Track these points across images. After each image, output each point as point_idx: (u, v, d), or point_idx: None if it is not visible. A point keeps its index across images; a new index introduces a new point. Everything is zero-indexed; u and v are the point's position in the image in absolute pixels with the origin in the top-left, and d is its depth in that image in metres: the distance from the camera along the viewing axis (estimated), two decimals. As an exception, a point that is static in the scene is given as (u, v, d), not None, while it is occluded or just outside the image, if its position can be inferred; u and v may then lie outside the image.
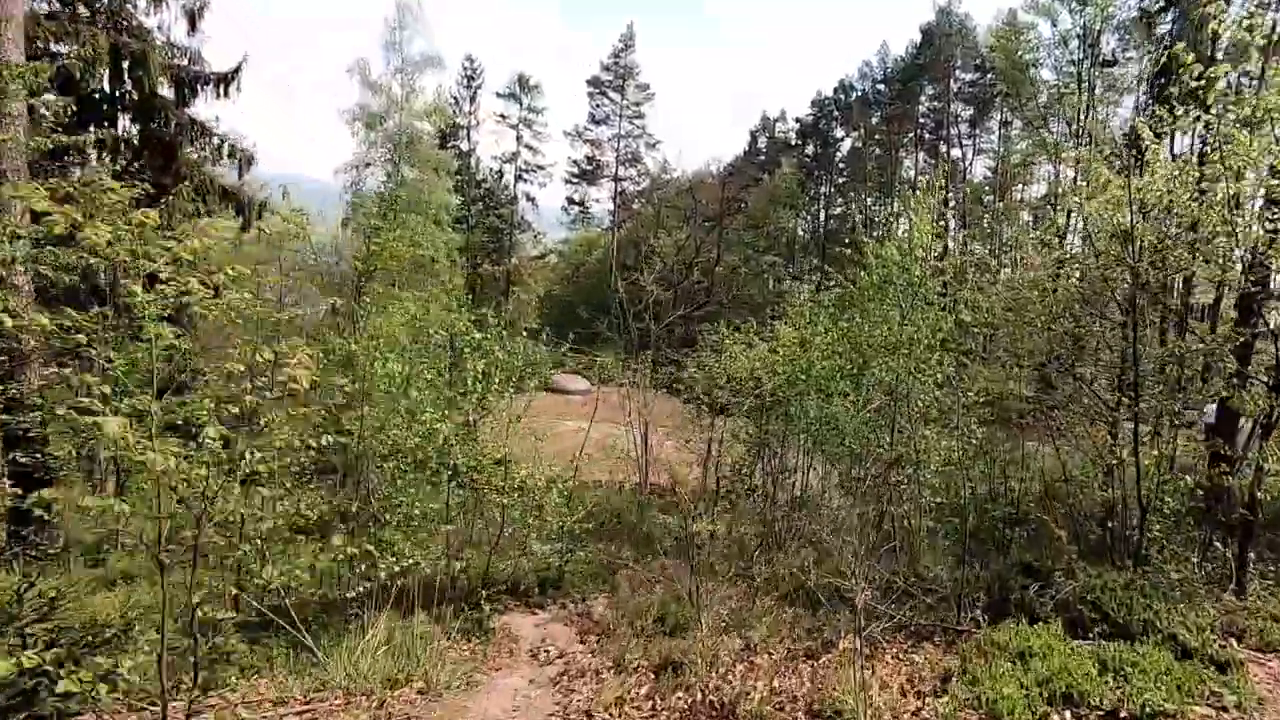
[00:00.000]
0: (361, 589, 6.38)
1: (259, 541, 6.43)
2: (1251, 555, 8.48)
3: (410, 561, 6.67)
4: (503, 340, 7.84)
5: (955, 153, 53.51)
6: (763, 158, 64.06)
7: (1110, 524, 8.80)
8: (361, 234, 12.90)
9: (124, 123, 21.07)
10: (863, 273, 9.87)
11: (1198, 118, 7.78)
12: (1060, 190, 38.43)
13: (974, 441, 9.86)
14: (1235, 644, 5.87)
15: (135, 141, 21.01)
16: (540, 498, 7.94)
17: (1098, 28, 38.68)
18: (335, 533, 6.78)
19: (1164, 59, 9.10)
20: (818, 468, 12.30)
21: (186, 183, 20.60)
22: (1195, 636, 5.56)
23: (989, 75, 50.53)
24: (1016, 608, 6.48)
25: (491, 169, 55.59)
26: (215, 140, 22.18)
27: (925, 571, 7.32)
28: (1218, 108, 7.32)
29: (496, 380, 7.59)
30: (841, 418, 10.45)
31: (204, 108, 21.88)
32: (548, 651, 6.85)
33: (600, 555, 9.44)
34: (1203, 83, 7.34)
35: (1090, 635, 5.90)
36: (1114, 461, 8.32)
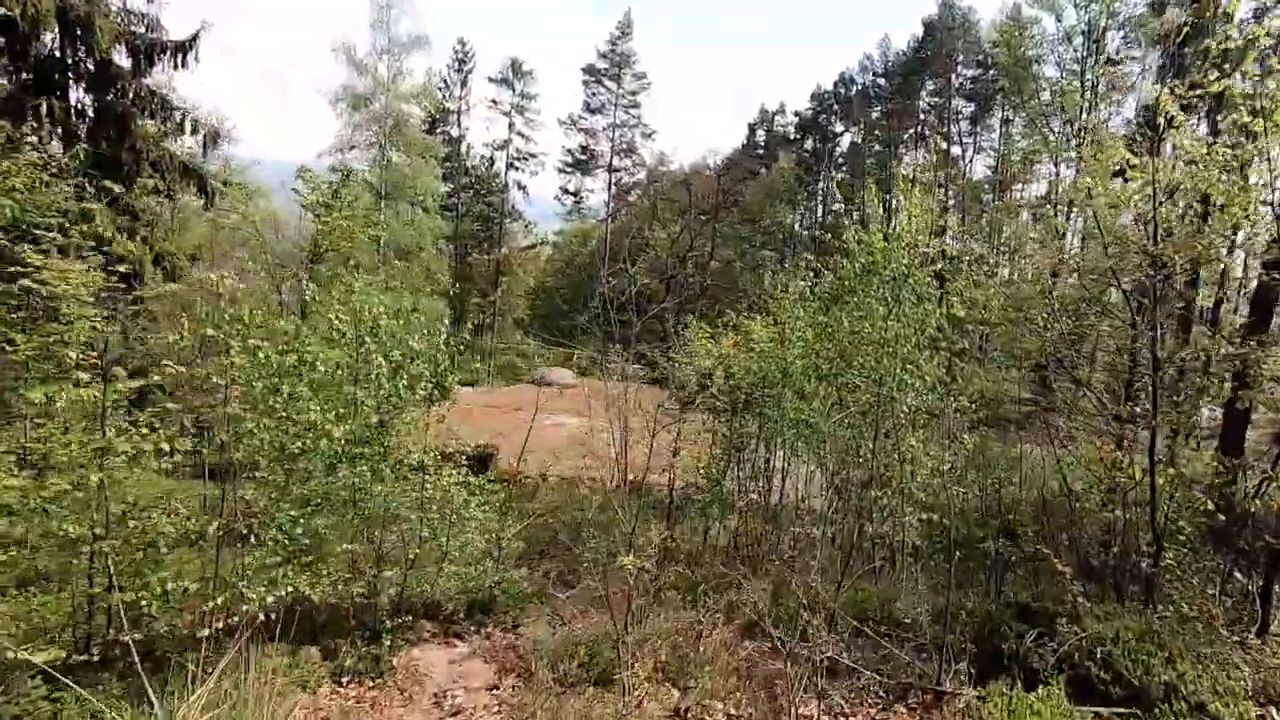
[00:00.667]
0: (224, 623, 5.32)
1: (105, 561, 5.37)
2: (1278, 589, 7.48)
3: (289, 589, 5.60)
4: (419, 327, 6.74)
5: (955, 150, 52.60)
6: (761, 151, 62.97)
7: (1114, 548, 7.77)
8: (312, 213, 11.77)
9: (79, 93, 19.88)
10: (845, 261, 8.80)
11: (1227, 85, 6.75)
12: (1060, 189, 37.54)
13: (964, 451, 8.83)
14: (1275, 714, 4.84)
15: (89, 113, 19.87)
16: (462, 509, 6.87)
17: (1103, 24, 37.97)
18: (198, 551, 5.72)
19: (1187, 29, 8.02)
20: (795, 475, 11.27)
21: (143, 157, 19.56)
22: (1229, 709, 4.52)
23: (991, 71, 49.66)
24: (1010, 660, 5.43)
25: (482, 156, 54.43)
26: (177, 114, 20.99)
27: (902, 614, 6.25)
28: (1257, 67, 6.27)
29: (406, 378, 6.48)
30: (817, 421, 9.41)
31: (164, 79, 20.71)
32: (454, 698, 5.79)
33: (538, 573, 8.38)
34: (1239, 42, 6.32)
35: (1101, 701, 4.85)
36: (1124, 479, 7.26)
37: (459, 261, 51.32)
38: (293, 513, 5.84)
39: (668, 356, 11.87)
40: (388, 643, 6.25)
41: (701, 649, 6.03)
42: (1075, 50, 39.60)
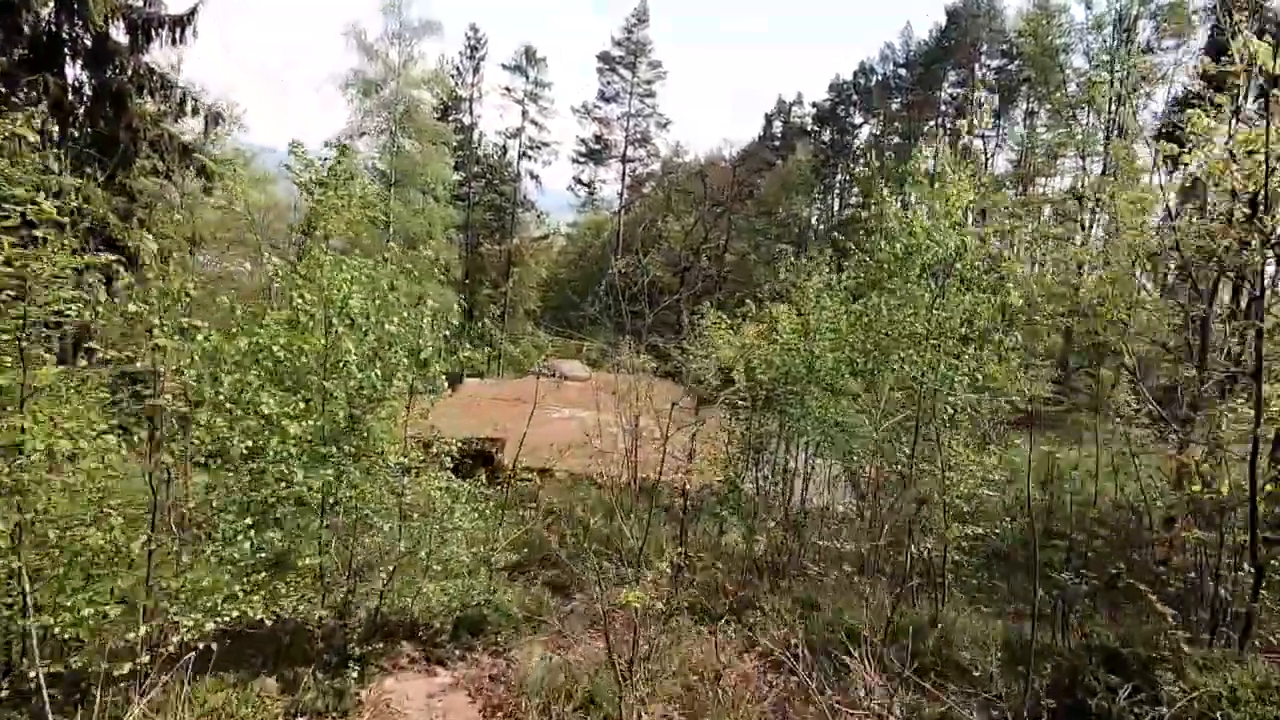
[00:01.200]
0: (158, 652, 4.49)
1: (19, 579, 4.54)
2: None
3: (235, 613, 4.75)
4: (399, 307, 5.84)
5: (977, 144, 51.25)
6: (778, 143, 61.77)
7: (1191, 574, 6.81)
8: (305, 192, 10.86)
9: (75, 70, 19.17)
10: (883, 243, 7.84)
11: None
12: (1085, 182, 36.32)
13: (1011, 457, 7.88)
14: None
15: (87, 91, 19.18)
16: (446, 517, 6.00)
17: (1134, 12, 36.87)
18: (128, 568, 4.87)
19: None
20: (817, 478, 10.35)
21: (140, 136, 18.91)
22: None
23: (1016, 62, 48.32)
24: (1099, 720, 4.50)
25: (495, 144, 53.55)
26: (177, 93, 20.24)
27: (966, 660, 5.30)
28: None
29: (380, 366, 5.60)
30: (849, 421, 8.48)
31: (165, 58, 19.99)
32: (429, 742, 4.96)
33: (536, 584, 7.51)
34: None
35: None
36: (1213, 494, 6.27)
37: (470, 251, 50.48)
38: (244, 522, 4.98)
39: (681, 349, 10.94)
40: (355, 673, 5.41)
41: (721, 689, 5.14)
42: (1105, 40, 38.50)
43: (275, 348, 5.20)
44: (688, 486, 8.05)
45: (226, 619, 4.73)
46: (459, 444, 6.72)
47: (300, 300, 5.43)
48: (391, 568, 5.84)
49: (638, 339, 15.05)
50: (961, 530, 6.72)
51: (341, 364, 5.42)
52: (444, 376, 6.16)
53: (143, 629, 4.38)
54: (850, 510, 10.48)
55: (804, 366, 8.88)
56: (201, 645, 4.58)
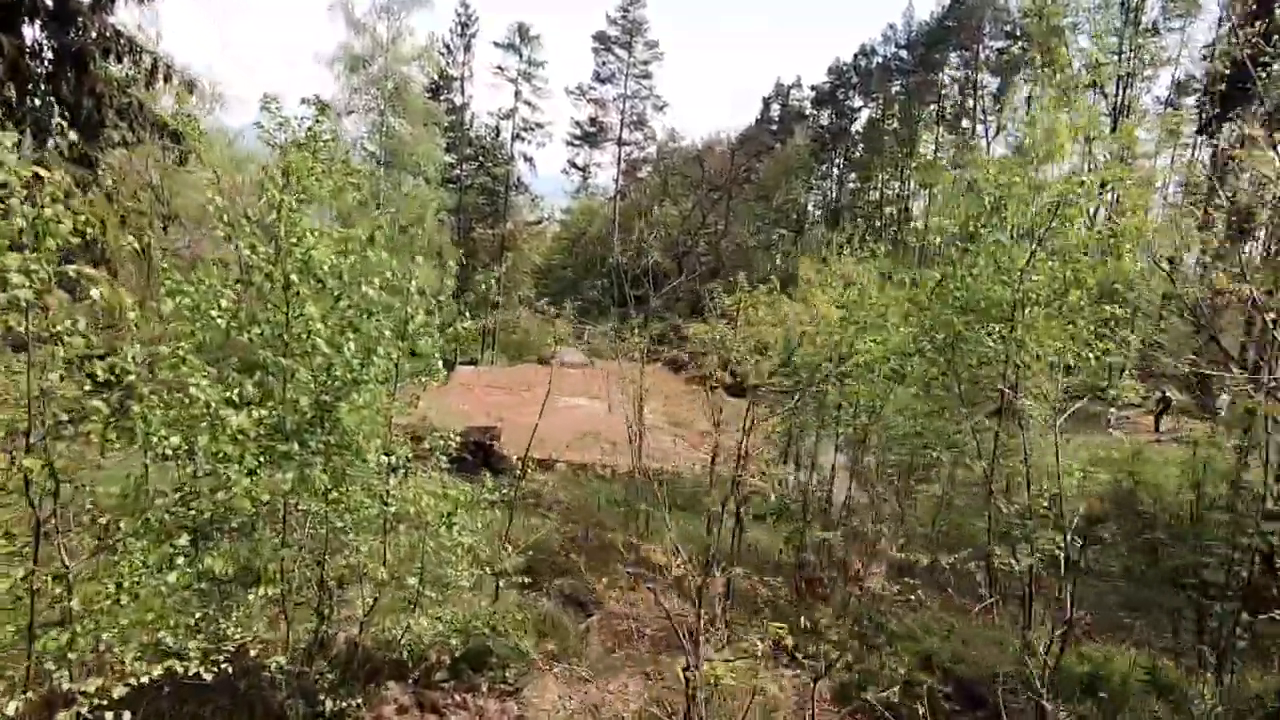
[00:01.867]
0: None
1: None
2: None
3: (155, 671, 3.51)
4: (381, 266, 4.53)
5: (979, 129, 50.27)
6: (775, 127, 60.33)
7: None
8: (280, 153, 9.49)
9: (34, 31, 17.63)
10: (968, 191, 6.59)
11: None
12: (1090, 167, 35.44)
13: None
14: None
15: (48, 54, 17.68)
16: (441, 531, 4.75)
17: (1143, -10, 36.17)
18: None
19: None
20: (845, 466, 9.21)
21: (105, 102, 17.49)
22: None
23: (1020, 43, 47.19)
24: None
25: (487, 125, 51.85)
26: (146, 58, 18.73)
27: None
28: None
29: (352, 339, 4.28)
30: (910, 412, 7.27)
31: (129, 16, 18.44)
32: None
33: (546, 596, 6.32)
34: None
35: None
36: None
37: (463, 236, 48.92)
38: (179, 543, 3.72)
39: (702, 331, 9.70)
40: (324, 737, 4.18)
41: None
42: (1111, 20, 37.79)
43: (214, 313, 3.94)
44: (741, 485, 6.66)
45: (145, 679, 3.48)
46: (457, 436, 5.48)
47: (252, 253, 4.15)
48: (373, 598, 4.60)
49: (646, 324, 13.91)
50: (1056, 539, 5.53)
51: (305, 336, 4.15)
52: (439, 356, 4.91)
53: (14, 703, 3.12)
54: (894, 510, 9.34)
55: (847, 347, 7.67)
56: (111, 715, 3.34)
